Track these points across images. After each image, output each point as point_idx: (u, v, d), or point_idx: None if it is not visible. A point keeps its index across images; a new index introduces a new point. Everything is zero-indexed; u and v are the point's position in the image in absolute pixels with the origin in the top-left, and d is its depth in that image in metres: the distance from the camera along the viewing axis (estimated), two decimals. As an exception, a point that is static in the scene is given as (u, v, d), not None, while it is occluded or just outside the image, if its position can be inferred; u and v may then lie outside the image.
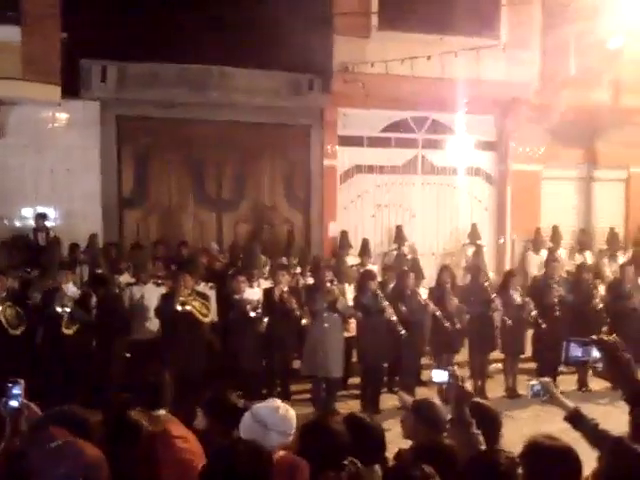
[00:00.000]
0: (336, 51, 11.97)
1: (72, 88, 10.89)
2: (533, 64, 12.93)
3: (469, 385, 3.26)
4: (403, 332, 9.13)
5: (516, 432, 4.02)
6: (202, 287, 8.95)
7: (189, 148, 11.94)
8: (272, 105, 11.90)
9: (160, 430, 3.72)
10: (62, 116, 11.16)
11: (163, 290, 8.59)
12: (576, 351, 3.77)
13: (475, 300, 9.96)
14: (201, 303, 8.36)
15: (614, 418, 3.76)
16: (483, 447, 3.25)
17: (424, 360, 10.26)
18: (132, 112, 11.42)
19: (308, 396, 9.27)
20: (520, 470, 2.98)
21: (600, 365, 3.50)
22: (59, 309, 7.91)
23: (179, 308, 8.14)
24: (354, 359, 9.80)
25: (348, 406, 9.16)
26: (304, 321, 9.06)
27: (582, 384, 10.08)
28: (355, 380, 9.73)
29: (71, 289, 8.43)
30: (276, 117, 12.06)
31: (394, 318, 9.16)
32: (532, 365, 10.41)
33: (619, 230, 13.79)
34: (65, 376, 7.48)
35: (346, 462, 3.28)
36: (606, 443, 2.98)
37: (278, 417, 3.60)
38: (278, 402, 3.74)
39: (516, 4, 12.54)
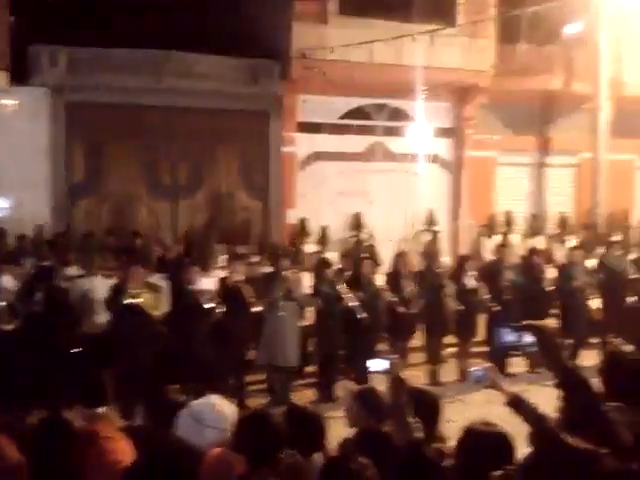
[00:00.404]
0: (295, 37, 11.45)
1: (21, 74, 10.18)
2: (488, 51, 12.55)
3: (407, 373, 3.19)
4: (364, 315, 8.72)
5: (467, 415, 3.91)
6: (155, 278, 8.35)
7: (143, 135, 11.25)
8: (229, 91, 11.27)
9: (88, 430, 3.44)
10: (10, 103, 10.37)
11: (113, 282, 7.94)
12: (510, 336, 3.80)
13: (429, 285, 9.69)
14: (152, 295, 7.79)
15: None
16: (419, 435, 3.19)
17: (380, 346, 9.86)
18: (83, 98, 10.64)
19: (264, 386, 8.87)
20: (447, 461, 2.98)
21: (533, 350, 3.32)
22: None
23: (129, 301, 7.53)
24: (310, 348, 9.36)
25: (304, 395, 8.85)
26: (256, 309, 8.51)
27: (533, 366, 9.67)
28: (311, 369, 9.27)
29: (7, 283, 7.70)
30: (233, 103, 11.44)
31: (354, 303, 8.76)
32: (485, 348, 10.01)
33: (570, 215, 13.54)
34: (6, 374, 6.78)
35: (283, 455, 3.13)
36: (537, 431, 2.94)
37: (214, 413, 3.40)
38: (215, 398, 3.53)
39: None
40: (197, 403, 3.50)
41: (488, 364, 3.72)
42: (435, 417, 3.65)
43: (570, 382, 2.91)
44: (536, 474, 2.32)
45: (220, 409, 3.44)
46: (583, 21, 12.76)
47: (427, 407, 3.61)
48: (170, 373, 7.63)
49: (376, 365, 3.44)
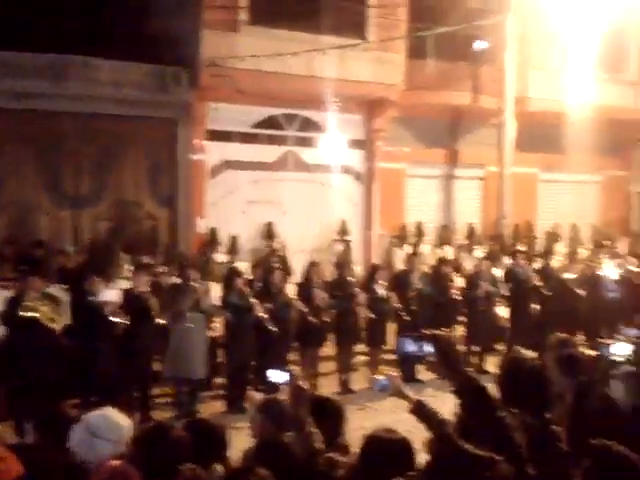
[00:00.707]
0: (204, 45, 11.30)
1: None
2: (398, 65, 12.80)
3: (306, 384, 3.21)
4: (274, 330, 8.79)
5: (377, 422, 4.09)
6: (55, 289, 8.11)
7: (46, 142, 10.87)
8: (137, 98, 11.05)
9: None
10: None
11: (9, 294, 7.64)
12: (410, 346, 3.87)
13: (340, 295, 9.84)
14: (50, 307, 7.56)
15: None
16: (319, 445, 3.21)
17: (291, 356, 9.94)
18: None
19: (170, 399, 8.75)
20: (340, 471, 3.02)
21: (432, 359, 3.50)
22: None
23: (25, 313, 7.28)
24: (220, 359, 9.32)
25: (212, 407, 8.78)
26: (161, 321, 8.42)
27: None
28: (220, 380, 9.24)
29: None
30: (141, 110, 11.21)
31: (263, 315, 8.79)
32: (395, 356, 10.29)
33: (477, 225, 14.04)
34: None
35: (182, 467, 3.10)
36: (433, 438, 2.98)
37: (109, 426, 3.39)
38: (110, 410, 3.51)
39: (383, 6, 12.35)
40: (92, 416, 3.48)
41: (392, 372, 3.77)
42: (339, 425, 3.69)
43: (467, 389, 2.94)
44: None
45: (115, 421, 3.43)
46: (490, 39, 13.32)
47: (331, 416, 3.67)
48: (71, 387, 7.48)
49: (276, 376, 3.48)
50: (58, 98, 10.40)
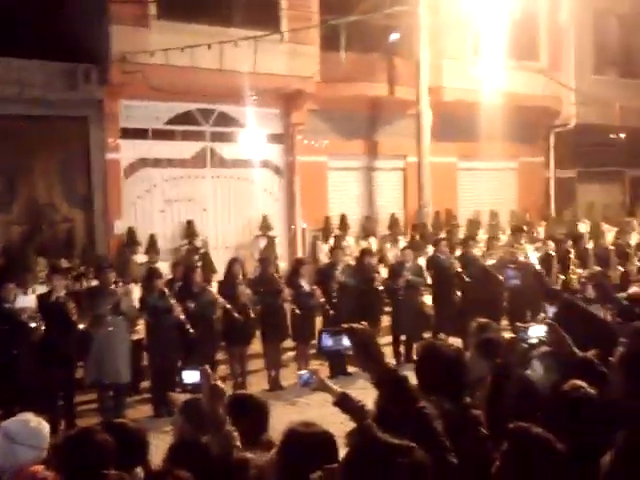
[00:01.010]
0: (113, 40, 11.18)
1: None
2: (313, 58, 12.98)
3: (220, 382, 3.19)
4: (191, 331, 8.85)
5: (306, 417, 4.01)
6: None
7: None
8: (45, 97, 10.84)
9: None
10: None
11: None
12: (328, 341, 3.82)
13: (266, 290, 9.98)
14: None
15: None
16: (236, 444, 3.21)
17: (219, 355, 10.07)
18: None
19: (95, 406, 8.71)
20: (253, 471, 3.05)
21: (350, 353, 3.46)
22: None
23: None
24: (144, 362, 9.34)
25: (139, 412, 8.80)
26: (81, 326, 8.37)
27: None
28: (146, 384, 9.27)
29: None
30: (51, 110, 11.02)
31: (182, 317, 8.84)
32: None
33: (399, 216, 14.34)
34: None
35: (105, 472, 3.11)
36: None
37: (28, 431, 3.43)
38: (29, 415, 3.54)
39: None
40: (10, 422, 3.53)
41: (316, 367, 3.92)
42: (262, 422, 3.73)
43: (386, 381, 2.95)
44: (352, 471, 2.37)
45: (34, 427, 3.47)
46: (403, 30, 13.61)
47: (252, 413, 3.71)
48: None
49: (189, 377, 3.49)
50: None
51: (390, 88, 14.03)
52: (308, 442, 2.93)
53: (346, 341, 3.17)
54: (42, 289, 8.57)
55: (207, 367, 3.32)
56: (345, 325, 3.08)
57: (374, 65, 13.69)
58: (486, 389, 3.53)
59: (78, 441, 3.23)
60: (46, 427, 3.51)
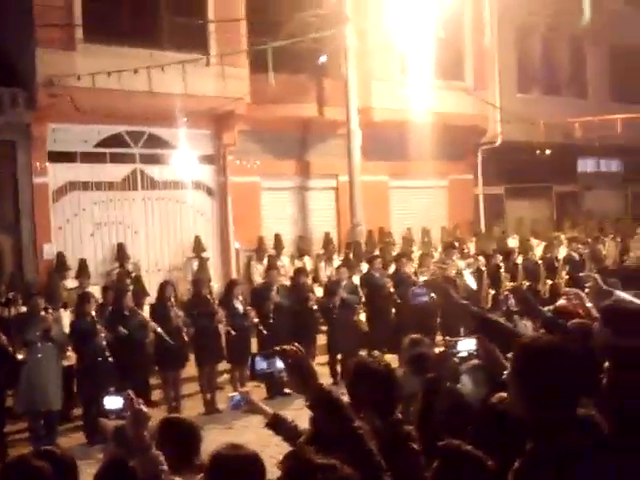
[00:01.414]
0: (40, 64, 11.28)
1: None
2: (243, 79, 13.30)
3: (143, 406, 3.16)
4: (110, 359, 8.94)
5: (243, 440, 4.04)
6: None
7: None
8: (-31, 121, 10.91)
9: None
10: None
11: None
12: (262, 364, 3.77)
13: (199, 312, 10.09)
14: None
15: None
16: (164, 467, 3.16)
17: (152, 380, 10.22)
18: None
19: (27, 434, 8.71)
20: None
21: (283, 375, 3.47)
22: None
23: None
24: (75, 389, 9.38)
25: (72, 440, 8.83)
26: (20, 356, 8.44)
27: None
28: (78, 411, 9.30)
29: None
30: (-22, 134, 11.11)
31: (103, 343, 8.93)
32: None
33: (333, 235, 14.70)
34: None
35: None
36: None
37: None
38: None
39: (224, 21, 12.85)
40: None
41: (244, 388, 4.07)
42: (193, 446, 3.72)
43: (319, 402, 2.94)
44: None
45: None
46: (331, 51, 13.99)
47: (183, 436, 3.73)
48: None
49: (110, 402, 3.41)
50: None
51: (320, 109, 14.47)
52: (234, 465, 2.95)
53: (279, 363, 3.19)
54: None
55: (130, 392, 3.29)
56: (277, 347, 3.10)
57: (303, 86, 14.10)
58: (418, 404, 3.59)
59: (17, 468, 3.28)
60: None
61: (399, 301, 11.75)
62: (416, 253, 13.87)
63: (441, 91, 15.86)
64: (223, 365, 10.64)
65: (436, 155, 15.85)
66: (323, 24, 13.59)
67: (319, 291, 11.76)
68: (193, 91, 12.32)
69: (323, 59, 14.23)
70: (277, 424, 3.65)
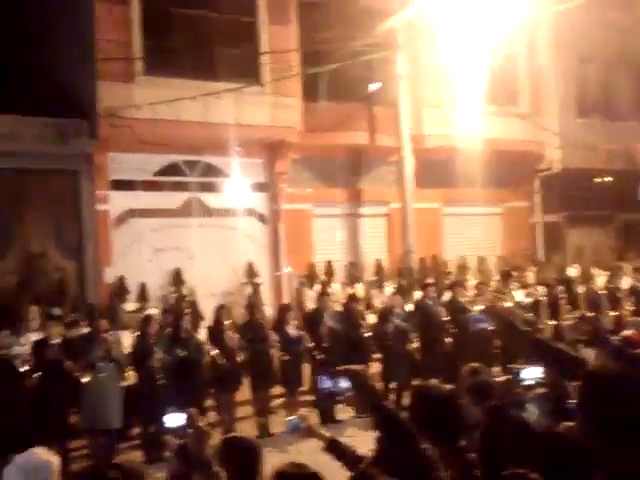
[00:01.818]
0: (101, 96, 12.15)
1: None
2: (294, 108, 13.92)
3: (209, 426, 3.48)
4: (167, 381, 9.50)
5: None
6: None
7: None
8: (37, 151, 11.84)
9: None
10: None
11: None
12: (327, 383, 4.17)
13: (253, 337, 10.53)
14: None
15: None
16: None
17: (208, 402, 10.67)
18: None
19: (87, 451, 9.28)
20: None
21: (349, 394, 3.90)
22: None
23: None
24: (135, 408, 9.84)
25: (129, 457, 9.15)
26: (84, 380, 9.07)
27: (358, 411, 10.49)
28: (137, 430, 9.85)
29: None
30: (42, 163, 12.01)
31: (156, 365, 9.54)
32: (312, 397, 11.04)
33: (384, 262, 15.08)
34: None
35: None
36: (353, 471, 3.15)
37: (38, 464, 3.67)
38: (40, 450, 3.80)
39: (276, 51, 13.51)
40: (22, 456, 3.71)
41: (303, 412, 3.97)
42: (254, 465, 3.81)
43: (386, 421, 3.02)
44: None
45: (44, 460, 3.67)
46: (383, 79, 14.55)
47: (244, 455, 3.82)
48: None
49: (171, 420, 3.74)
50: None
51: (371, 136, 14.89)
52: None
53: (344, 383, 3.39)
54: (36, 336, 9.27)
55: (193, 410, 3.66)
56: (342, 367, 3.26)
57: (355, 114, 14.59)
58: (480, 432, 3.59)
59: (92, 477, 3.53)
60: (56, 461, 3.74)
61: (453, 330, 11.83)
62: (471, 281, 13.96)
63: (494, 117, 16.11)
64: (276, 389, 10.99)
65: (490, 182, 16.07)
66: (374, 52, 14.02)
67: (371, 318, 12.04)
68: (246, 120, 13.00)
69: (375, 86, 14.72)
70: (335, 448, 3.69)
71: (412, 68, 14.74)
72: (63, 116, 12.06)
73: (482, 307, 12.03)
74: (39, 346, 8.98)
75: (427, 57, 15.16)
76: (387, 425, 3.06)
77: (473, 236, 17.00)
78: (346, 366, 3.26)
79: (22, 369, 8.71)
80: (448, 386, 3.84)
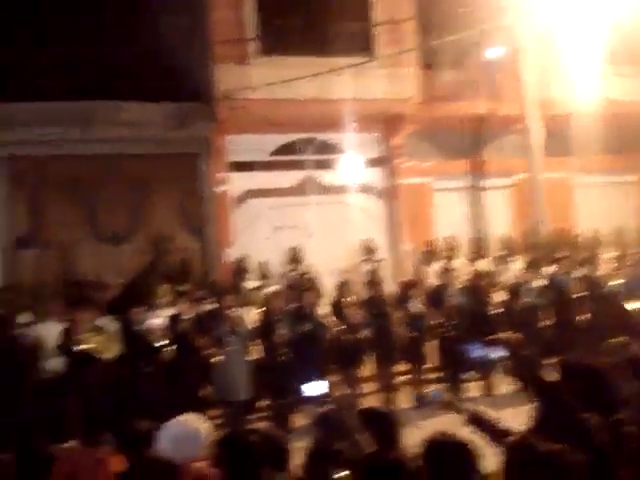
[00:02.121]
0: (218, 78, 12.94)
1: None
2: (411, 80, 14.12)
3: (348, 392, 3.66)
4: (286, 357, 10.05)
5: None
6: (103, 321, 9.71)
7: (80, 184, 12.80)
8: (158, 136, 12.86)
9: (98, 457, 4.45)
10: None
11: (63, 328, 9.33)
12: (479, 351, 4.33)
13: (375, 313, 10.85)
14: (102, 338, 9.22)
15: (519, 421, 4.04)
16: (372, 449, 3.57)
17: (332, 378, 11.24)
18: (21, 152, 12.36)
19: (219, 421, 9.73)
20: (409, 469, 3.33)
21: (505, 363, 4.06)
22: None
23: (78, 346, 9.01)
24: (261, 380, 10.39)
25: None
26: (214, 354, 9.84)
27: (488, 389, 11.02)
28: (263, 402, 10.51)
29: None
30: (163, 148, 13.04)
31: (281, 340, 10.15)
32: (437, 374, 11.35)
33: (511, 235, 14.94)
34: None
35: (261, 471, 3.67)
36: (506, 440, 3.29)
37: (189, 431, 4.11)
38: (189, 417, 4.29)
39: (390, 22, 13.83)
40: (174, 422, 4.20)
41: (441, 386, 4.27)
42: (393, 435, 3.99)
43: (544, 391, 3.20)
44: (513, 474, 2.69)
45: (196, 426, 4.19)
46: (502, 44, 14.39)
47: (383, 425, 4.01)
48: (124, 413, 9.00)
49: (311, 389, 3.98)
50: (88, 142, 12.42)
51: (493, 104, 14.79)
52: (450, 449, 3.19)
53: (500, 351, 3.62)
54: (168, 313, 10.13)
55: (336, 378, 3.94)
56: (496, 336, 3.74)
57: (475, 82, 14.55)
58: (634, 407, 3.66)
59: (235, 441, 3.84)
60: (206, 428, 4.19)
61: (590, 305, 11.77)
62: (605, 255, 13.72)
63: (625, 79, 15.76)
64: (401, 366, 11.31)
65: (623, 148, 15.79)
66: (493, 17, 13.93)
67: (498, 295, 12.03)
68: (363, 94, 13.29)
69: (495, 52, 14.64)
70: (478, 421, 3.83)
71: (534, 32, 14.56)
72: (182, 101, 12.94)
73: (622, 281, 11.92)
74: (174, 321, 9.87)
75: (549, 19, 14.83)
76: (546, 394, 3.22)
77: (606, 207, 16.57)
78: (500, 335, 3.43)
79: (156, 342, 9.59)
80: (597, 360, 3.98)
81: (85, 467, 4.42)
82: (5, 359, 8.86)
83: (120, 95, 12.33)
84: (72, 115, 12.28)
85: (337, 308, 10.94)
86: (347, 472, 3.07)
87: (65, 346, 9.13)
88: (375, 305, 11.08)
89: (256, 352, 10.34)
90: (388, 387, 10.96)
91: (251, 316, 10.55)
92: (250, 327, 10.32)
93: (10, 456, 4.40)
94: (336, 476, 3.07)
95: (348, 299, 11.00)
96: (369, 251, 13.81)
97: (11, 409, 8.23)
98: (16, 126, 12.16)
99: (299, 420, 9.66)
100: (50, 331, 9.35)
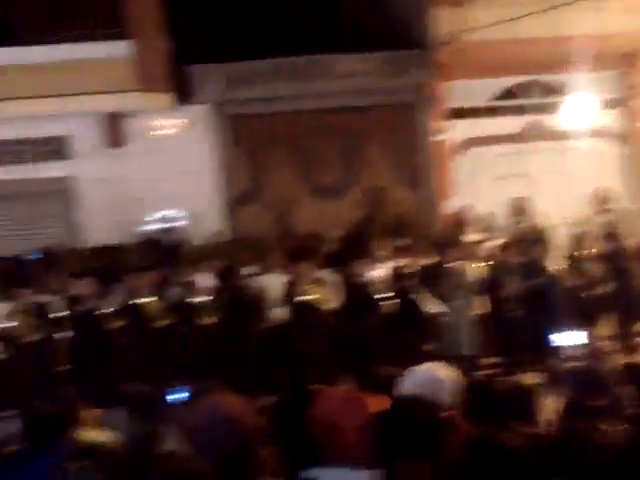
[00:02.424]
0: (436, 23, 12.86)
1: (182, 93, 12.56)
2: None
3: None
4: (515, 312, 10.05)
5: None
6: (323, 273, 10.17)
7: (298, 139, 13.35)
8: (375, 86, 13.07)
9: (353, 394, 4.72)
10: (178, 121, 12.84)
11: (286, 279, 9.92)
12: None
13: (616, 268, 10.57)
14: (322, 290, 9.71)
15: None
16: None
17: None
18: (241, 110, 13.06)
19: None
20: None
21: None
22: (196, 300, 9.64)
23: (301, 297, 9.53)
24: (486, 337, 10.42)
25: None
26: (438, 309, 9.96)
27: None
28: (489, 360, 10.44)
29: (204, 281, 9.97)
30: (379, 99, 13.22)
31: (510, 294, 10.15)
32: None
33: None
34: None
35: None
36: None
37: (434, 378, 4.10)
38: (436, 365, 4.28)
39: None
40: (421, 368, 4.20)
41: None
42: None
43: None
44: None
45: (440, 375, 4.12)
46: None
47: None
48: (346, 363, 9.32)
49: (566, 339, 3.93)
50: (305, 97, 12.89)
51: None
52: None
53: None
54: (387, 266, 10.33)
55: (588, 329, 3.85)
56: None
57: None
58: None
59: (485, 390, 4.06)
60: (454, 379, 4.14)
61: None
62: None
63: None
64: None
65: None
66: None
67: None
68: (597, 30, 12.38)
69: None
70: None
71: None
72: (399, 49, 13.00)
73: None
74: (396, 274, 10.08)
75: None
76: None
77: None
78: None
79: (378, 295, 9.89)
80: None
81: (342, 404, 4.68)
82: (233, 307, 9.45)
83: (336, 47, 12.56)
84: (290, 71, 12.81)
85: (573, 262, 10.73)
86: None
87: (289, 296, 9.62)
88: (615, 260, 10.81)
89: (481, 307, 10.31)
90: (629, 348, 10.53)
91: (475, 270, 10.51)
92: (474, 281, 10.30)
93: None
94: None
95: (584, 253, 10.77)
96: (605, 201, 13.07)
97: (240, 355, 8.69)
98: (234, 86, 12.86)
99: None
100: (273, 282, 9.89)
